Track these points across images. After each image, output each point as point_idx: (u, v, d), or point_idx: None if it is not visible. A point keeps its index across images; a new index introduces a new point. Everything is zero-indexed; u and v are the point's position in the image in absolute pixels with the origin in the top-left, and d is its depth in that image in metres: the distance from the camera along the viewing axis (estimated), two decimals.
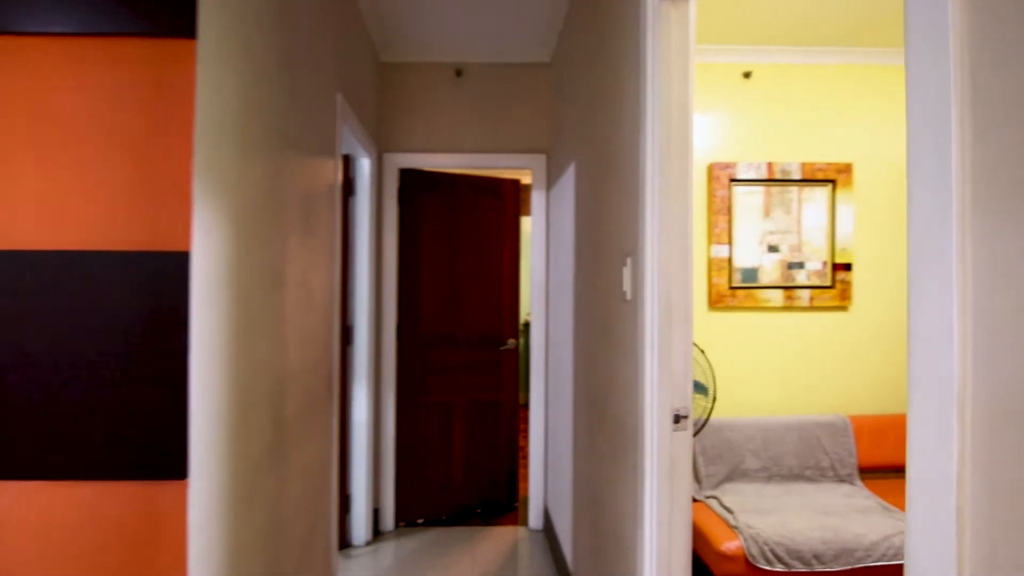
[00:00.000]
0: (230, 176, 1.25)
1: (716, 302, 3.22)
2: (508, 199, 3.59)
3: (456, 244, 3.44)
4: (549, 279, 3.28)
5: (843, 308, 3.30)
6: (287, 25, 1.64)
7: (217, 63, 1.17)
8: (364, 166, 3.01)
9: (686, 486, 1.42)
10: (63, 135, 1.06)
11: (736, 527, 2.32)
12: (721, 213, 3.27)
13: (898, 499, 2.71)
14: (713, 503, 2.62)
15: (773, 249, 3.32)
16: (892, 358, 3.26)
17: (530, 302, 3.78)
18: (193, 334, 1.09)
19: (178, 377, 1.09)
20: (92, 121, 1.07)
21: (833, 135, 3.28)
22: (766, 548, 2.19)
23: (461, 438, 3.44)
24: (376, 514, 3.22)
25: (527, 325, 6.14)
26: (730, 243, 3.32)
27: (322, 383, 2.09)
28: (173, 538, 1.09)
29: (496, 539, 3.15)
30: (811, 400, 3.25)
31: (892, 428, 2.98)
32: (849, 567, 2.17)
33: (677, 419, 1.41)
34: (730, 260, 3.30)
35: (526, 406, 5.90)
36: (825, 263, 3.31)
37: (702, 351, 2.92)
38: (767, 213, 3.32)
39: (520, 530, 3.27)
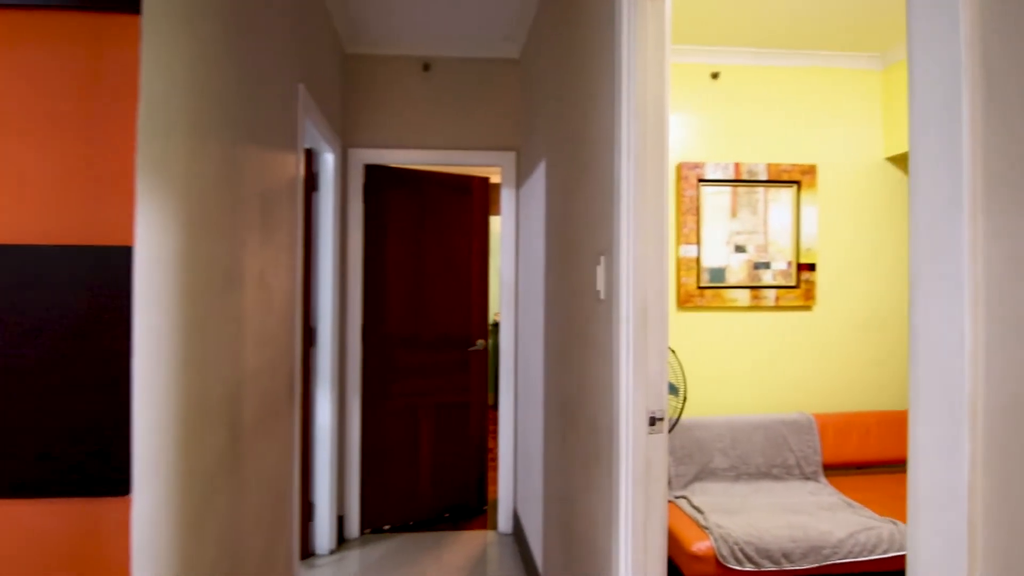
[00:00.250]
0: (180, 166, 1.16)
1: (685, 302, 3.23)
2: (477, 197, 3.53)
3: (424, 243, 3.36)
4: (519, 278, 3.23)
5: (807, 308, 3.35)
6: (243, 6, 1.55)
7: (164, 42, 1.09)
8: (328, 161, 2.91)
9: (661, 490, 1.39)
10: None
11: (706, 527, 2.31)
12: (690, 213, 3.28)
13: (860, 495, 2.76)
14: (683, 503, 2.61)
15: (740, 249, 3.35)
16: (855, 357, 3.33)
17: (499, 302, 3.73)
18: (137, 336, 1.00)
19: (120, 384, 1.00)
20: (22, 103, 0.97)
21: (798, 137, 3.33)
22: (736, 548, 2.19)
23: (429, 441, 3.37)
24: (341, 522, 3.12)
25: (496, 325, 6.08)
26: (698, 243, 3.34)
27: (283, 387, 1.99)
28: (116, 560, 1.00)
29: (464, 544, 3.08)
30: (777, 398, 3.29)
31: (855, 426, 3.04)
32: (817, 564, 2.19)
33: (653, 421, 1.38)
34: (698, 260, 3.31)
35: (495, 407, 5.84)
36: (790, 263, 3.35)
37: (672, 351, 2.92)
38: (734, 213, 3.35)
39: (489, 534, 3.21)
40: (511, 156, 3.25)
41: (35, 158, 0.96)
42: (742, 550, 2.19)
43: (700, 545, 2.21)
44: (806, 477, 2.92)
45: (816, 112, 3.33)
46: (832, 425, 3.03)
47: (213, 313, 1.33)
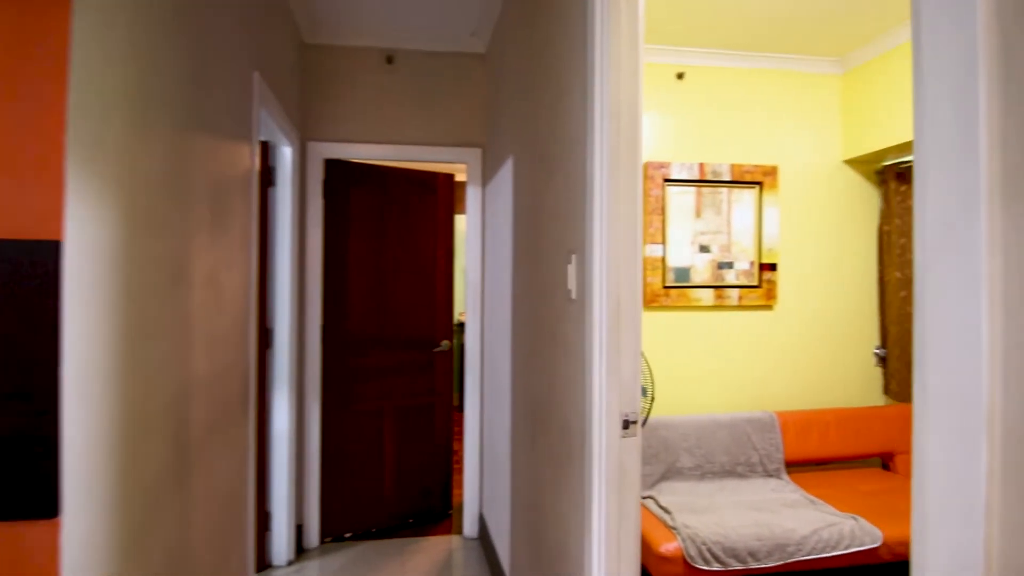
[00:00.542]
0: (119, 154, 1.06)
1: (650, 301, 3.23)
2: (442, 194, 3.45)
3: (387, 241, 3.26)
4: (485, 278, 3.17)
5: (769, 307, 3.40)
6: None
7: (101, 12, 0.98)
8: (285, 154, 2.79)
9: (635, 495, 1.35)
10: None
11: (674, 528, 2.31)
12: (655, 213, 3.29)
13: (821, 491, 2.81)
14: (650, 503, 2.61)
15: (704, 249, 3.37)
16: (814, 355, 3.40)
17: (464, 302, 3.66)
18: (67, 341, 0.90)
19: (47, 394, 0.90)
20: None
21: (760, 138, 3.38)
22: (703, 548, 2.19)
23: (392, 445, 3.27)
24: (299, 531, 3.00)
25: (461, 325, 6.00)
26: (664, 243, 3.34)
27: (236, 391, 1.88)
28: None
29: (429, 550, 3.01)
30: (741, 397, 3.33)
31: (815, 423, 3.10)
32: (782, 562, 2.21)
33: (626, 424, 1.34)
34: (664, 260, 3.32)
35: (461, 408, 5.76)
36: (752, 263, 3.40)
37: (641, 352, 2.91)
38: (698, 213, 3.37)
39: (454, 539, 3.14)
40: (477, 153, 3.19)
41: None
42: (709, 550, 2.19)
43: (668, 546, 2.20)
44: (769, 474, 2.96)
45: (778, 114, 3.38)
46: (793, 423, 3.08)
47: (157, 314, 1.22)
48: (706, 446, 2.93)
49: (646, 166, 3.23)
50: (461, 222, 6.03)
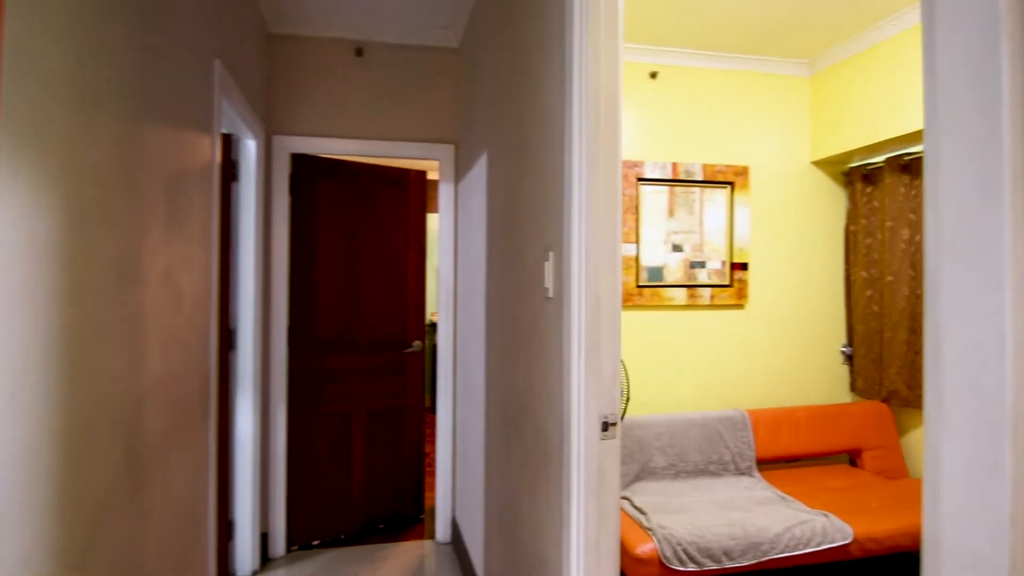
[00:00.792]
0: (60, 141, 0.97)
1: (624, 301, 3.22)
2: (414, 191, 3.37)
3: (356, 239, 3.17)
4: (458, 276, 3.11)
5: (740, 306, 3.43)
6: None
7: None
8: (250, 148, 2.68)
9: (614, 498, 1.31)
10: None
11: (649, 529, 2.29)
12: (629, 212, 3.28)
13: (792, 489, 2.83)
14: (625, 504, 2.58)
15: (677, 248, 3.38)
16: (784, 353, 3.44)
17: (437, 301, 3.59)
18: None
19: None
20: None
21: (732, 138, 3.40)
22: (679, 548, 2.18)
23: (362, 449, 3.18)
24: (265, 539, 2.89)
25: (433, 325, 5.92)
26: (637, 242, 3.34)
27: (195, 396, 1.78)
28: None
29: (400, 556, 2.93)
30: (713, 396, 3.34)
31: (785, 420, 3.13)
32: (756, 560, 2.21)
33: (605, 426, 1.30)
34: (637, 259, 3.31)
35: (433, 409, 5.68)
36: (724, 262, 3.42)
37: None
38: (671, 213, 3.37)
39: (426, 544, 3.07)
40: (450, 149, 3.12)
41: None
42: (685, 550, 2.18)
43: (644, 548, 2.18)
44: (741, 472, 2.98)
45: (749, 115, 3.41)
46: (764, 421, 3.11)
47: (104, 315, 1.13)
48: (679, 445, 2.93)
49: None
50: (433, 221, 5.95)
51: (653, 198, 3.33)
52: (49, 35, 0.93)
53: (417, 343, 3.34)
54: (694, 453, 2.94)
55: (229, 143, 2.56)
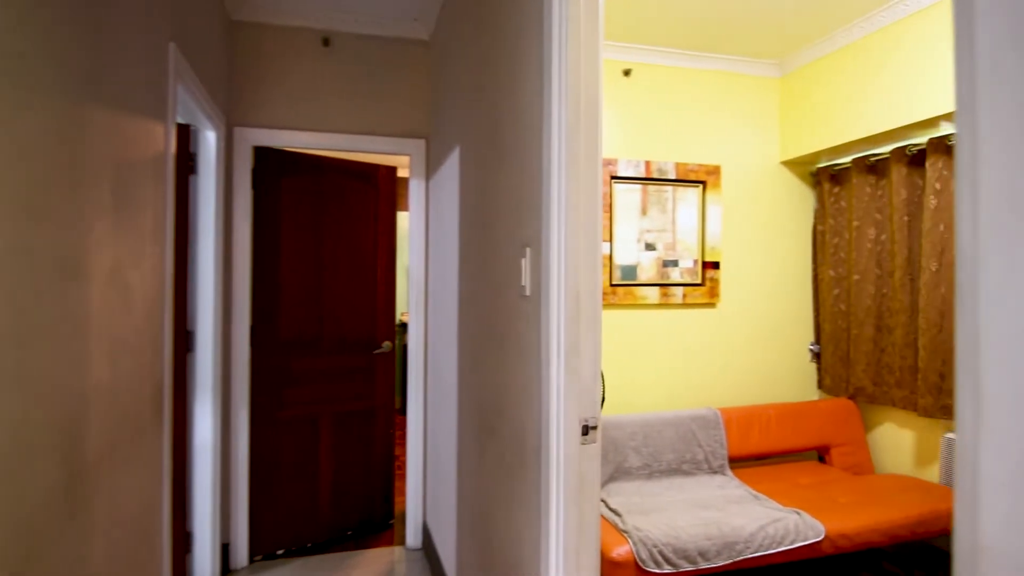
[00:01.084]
0: None
1: None
2: (383, 187, 3.28)
3: (323, 236, 3.06)
4: (429, 275, 3.03)
5: (712, 305, 3.44)
6: None
7: None
8: (209, 140, 2.55)
9: (595, 505, 1.27)
10: None
11: (625, 531, 2.26)
12: (603, 209, 3.25)
13: (764, 486, 2.84)
14: (600, 506, 2.55)
15: (650, 247, 3.37)
16: (755, 352, 3.46)
17: (407, 301, 3.49)
18: None
19: None
20: None
21: (704, 137, 3.41)
22: (655, 550, 2.15)
23: (329, 453, 3.07)
24: (226, 550, 2.76)
25: (404, 325, 5.80)
26: (611, 240, 3.31)
27: (147, 401, 1.67)
28: None
29: (369, 563, 2.84)
30: (686, 394, 3.34)
31: (757, 418, 3.15)
32: (731, 560, 2.20)
33: (586, 430, 1.25)
34: (611, 257, 3.29)
35: (403, 411, 5.57)
36: (696, 261, 3.42)
37: None
38: (644, 211, 3.36)
39: (396, 550, 2.99)
40: (420, 144, 3.04)
41: None
42: (661, 552, 2.15)
43: (620, 550, 2.14)
44: (714, 471, 2.98)
45: (721, 114, 3.42)
46: (736, 419, 3.12)
47: (40, 315, 1.03)
48: (653, 445, 2.92)
49: None
50: (404, 219, 5.83)
51: (626, 196, 3.32)
52: None
53: (387, 343, 3.25)
54: (668, 452, 2.93)
55: (187, 134, 2.43)
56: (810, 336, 3.57)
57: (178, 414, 2.31)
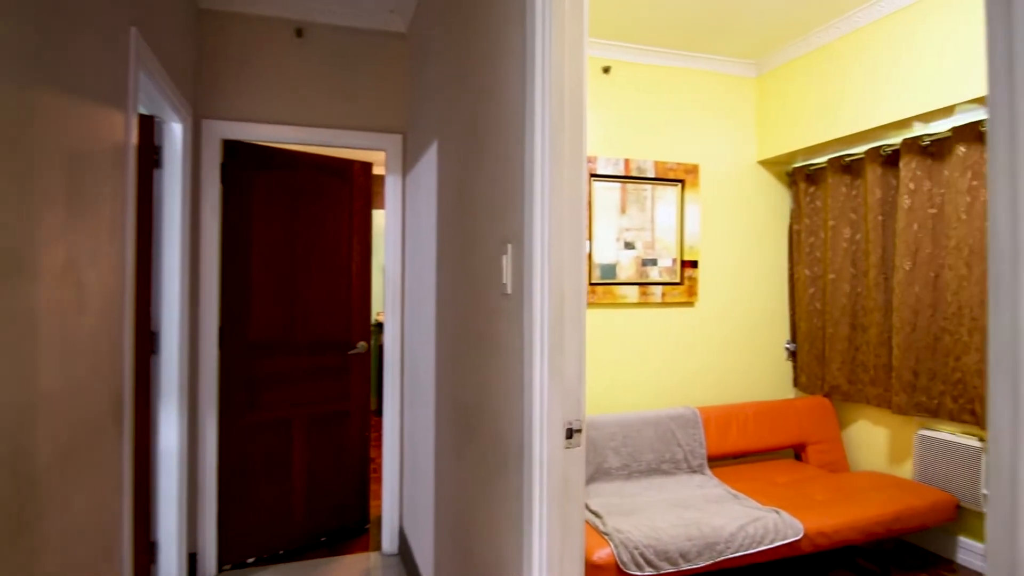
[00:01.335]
0: None
1: None
2: (358, 184, 3.19)
3: (296, 233, 2.97)
4: (406, 273, 2.96)
5: (690, 304, 3.43)
6: None
7: None
8: (175, 132, 2.44)
9: (579, 509, 1.23)
10: None
11: (606, 533, 2.23)
12: None
13: (743, 485, 2.84)
14: None
15: (629, 246, 3.35)
16: (733, 350, 3.47)
17: (383, 300, 3.41)
18: None
19: None
20: None
21: (682, 136, 3.40)
22: (636, 552, 2.12)
23: (302, 457, 2.98)
24: (193, 560, 2.65)
25: (380, 325, 5.71)
26: (590, 239, 3.29)
27: (106, 407, 1.58)
28: None
29: (344, 570, 2.76)
30: (666, 394, 3.34)
31: (735, 417, 3.15)
32: (712, 560, 2.19)
33: (570, 433, 1.21)
34: (590, 256, 3.26)
35: (379, 413, 5.47)
36: (675, 260, 3.42)
37: None
38: (623, 210, 3.34)
39: (372, 556, 2.91)
40: (397, 139, 2.97)
41: None
42: (642, 554, 2.13)
43: (601, 553, 2.11)
44: (693, 470, 2.97)
45: (699, 113, 3.42)
46: (714, 418, 3.12)
47: None
48: (632, 445, 2.90)
49: None
50: (379, 217, 5.73)
51: (605, 194, 3.29)
52: None
53: (362, 344, 3.17)
54: (647, 452, 2.91)
55: (151, 125, 2.32)
56: (786, 334, 3.60)
57: (141, 419, 2.20)
